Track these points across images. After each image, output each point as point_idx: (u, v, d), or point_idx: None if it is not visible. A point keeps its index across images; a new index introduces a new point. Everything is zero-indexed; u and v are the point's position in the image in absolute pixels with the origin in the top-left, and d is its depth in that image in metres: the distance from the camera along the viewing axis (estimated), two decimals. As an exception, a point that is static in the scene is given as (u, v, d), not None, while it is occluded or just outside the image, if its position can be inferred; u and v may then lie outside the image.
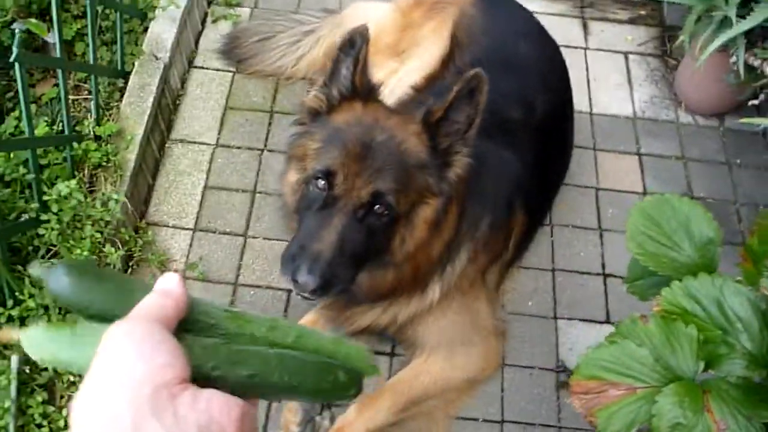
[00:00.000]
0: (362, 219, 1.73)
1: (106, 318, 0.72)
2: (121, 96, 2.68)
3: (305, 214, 1.79)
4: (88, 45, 2.50)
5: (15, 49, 1.92)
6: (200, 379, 0.71)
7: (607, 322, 2.56)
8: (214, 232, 2.66)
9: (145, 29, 2.85)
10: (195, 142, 2.86)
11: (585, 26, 3.40)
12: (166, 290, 0.73)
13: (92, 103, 2.51)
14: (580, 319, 2.56)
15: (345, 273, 1.73)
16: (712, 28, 2.63)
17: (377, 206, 1.73)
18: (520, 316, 2.55)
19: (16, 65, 1.95)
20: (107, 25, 2.80)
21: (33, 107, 2.47)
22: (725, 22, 2.58)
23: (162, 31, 2.81)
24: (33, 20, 2.42)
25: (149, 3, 2.85)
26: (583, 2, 3.48)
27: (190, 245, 2.63)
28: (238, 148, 2.87)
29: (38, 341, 0.72)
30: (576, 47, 3.30)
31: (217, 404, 0.65)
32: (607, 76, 3.24)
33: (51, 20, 2.22)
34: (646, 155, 3.01)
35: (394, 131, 1.77)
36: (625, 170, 2.97)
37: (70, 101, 2.58)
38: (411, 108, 2.04)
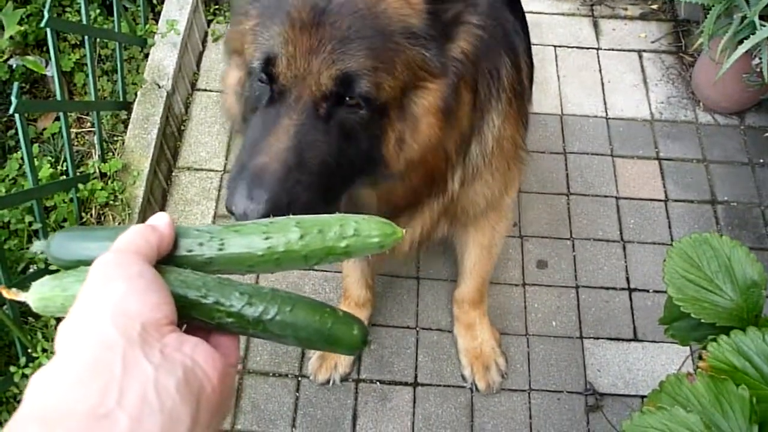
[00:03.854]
0: (328, 117, 1.21)
1: None
2: (125, 127, 2.60)
3: (249, 122, 1.30)
4: (87, 76, 2.42)
5: (14, 99, 1.84)
6: (190, 310, 0.70)
7: (635, 339, 2.48)
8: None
9: (146, 55, 2.76)
10: (202, 169, 2.79)
11: (596, 25, 3.29)
12: (155, 226, 0.73)
13: (96, 138, 2.44)
14: (607, 338, 2.49)
15: (309, 194, 1.18)
16: (733, 29, 2.53)
17: (348, 98, 1.22)
18: (545, 338, 2.48)
19: (17, 116, 1.87)
20: (107, 54, 2.71)
21: (35, 146, 2.39)
22: (748, 24, 2.48)
23: (163, 57, 2.72)
24: (30, 57, 2.34)
25: (148, 29, 2.75)
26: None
27: (204, 277, 2.55)
28: (247, 173, 2.78)
29: (45, 291, 0.73)
30: (588, 48, 3.21)
31: (203, 352, 0.65)
32: (621, 77, 3.15)
33: (48, 52, 2.14)
34: (666, 159, 2.92)
35: None
36: (645, 176, 2.88)
37: (73, 135, 2.51)
38: None
